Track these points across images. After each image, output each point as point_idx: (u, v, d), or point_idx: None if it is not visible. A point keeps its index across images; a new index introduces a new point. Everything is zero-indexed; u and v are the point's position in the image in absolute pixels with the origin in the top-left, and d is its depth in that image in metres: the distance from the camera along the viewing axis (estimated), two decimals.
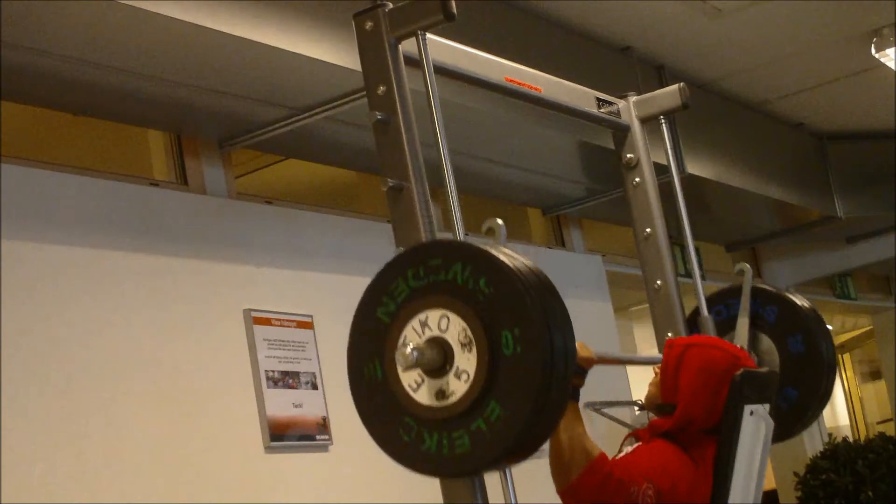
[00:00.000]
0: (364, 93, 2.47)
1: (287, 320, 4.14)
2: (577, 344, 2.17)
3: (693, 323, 3.26)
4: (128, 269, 3.70)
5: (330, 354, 4.22)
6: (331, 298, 4.36)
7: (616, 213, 5.70)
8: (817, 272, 8.37)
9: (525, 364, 2.02)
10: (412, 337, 2.14)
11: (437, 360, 2.11)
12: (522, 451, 2.09)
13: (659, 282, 3.30)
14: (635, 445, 2.71)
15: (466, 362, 2.08)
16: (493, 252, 2.10)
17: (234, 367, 3.93)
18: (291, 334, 4.15)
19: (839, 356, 12.50)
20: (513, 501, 2.22)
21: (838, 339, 12.33)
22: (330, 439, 4.14)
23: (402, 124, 2.39)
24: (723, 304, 3.29)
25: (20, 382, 3.28)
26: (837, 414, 12.12)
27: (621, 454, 2.70)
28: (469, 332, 2.08)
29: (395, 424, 2.16)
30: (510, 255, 2.10)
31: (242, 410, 3.90)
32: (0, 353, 3.25)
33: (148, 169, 4.18)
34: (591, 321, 5.72)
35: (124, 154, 4.21)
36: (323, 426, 4.14)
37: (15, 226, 3.39)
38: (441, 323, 2.12)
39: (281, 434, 3.98)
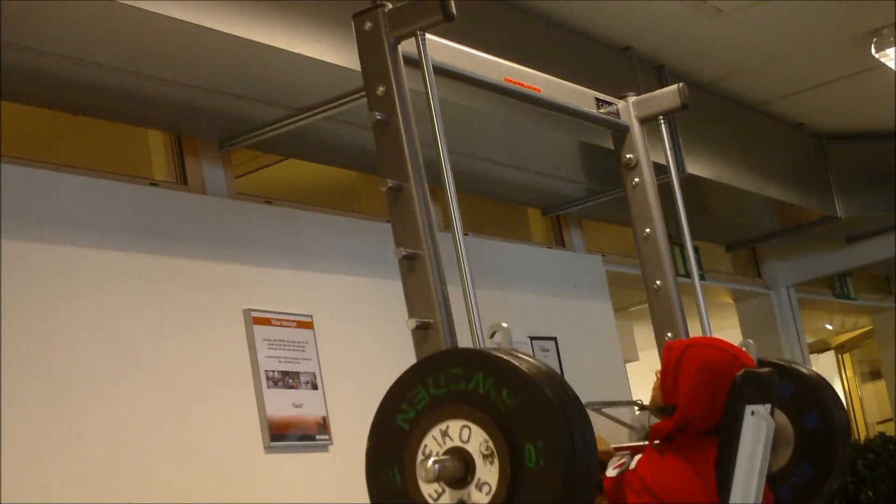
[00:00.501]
0: (364, 93, 2.47)
1: (287, 320, 4.14)
2: (597, 436, 2.15)
3: None
4: (128, 269, 3.70)
5: (330, 354, 4.22)
6: (331, 298, 4.37)
7: (616, 213, 5.69)
8: (817, 272, 8.37)
9: (548, 477, 2.01)
10: (433, 446, 2.13)
11: (459, 471, 2.09)
12: None
13: (658, 282, 3.30)
14: (636, 460, 2.71)
15: (488, 474, 2.07)
16: (516, 363, 2.07)
17: (234, 367, 3.93)
18: (291, 334, 4.15)
19: (839, 356, 12.50)
20: None
21: (838, 339, 12.34)
22: (330, 439, 4.14)
23: (401, 124, 2.39)
24: None
25: (20, 382, 3.28)
26: None
27: (621, 468, 2.70)
28: (491, 444, 2.06)
29: None
30: (532, 364, 2.08)
31: (242, 410, 3.90)
32: (0, 352, 3.25)
33: (148, 169, 4.18)
34: (591, 321, 5.72)
35: (124, 154, 4.21)
36: (323, 426, 4.14)
37: (15, 226, 3.39)
38: (462, 433, 2.10)
39: (281, 434, 3.98)
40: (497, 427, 2.06)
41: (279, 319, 4.11)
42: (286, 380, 4.06)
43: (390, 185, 2.39)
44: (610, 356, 5.88)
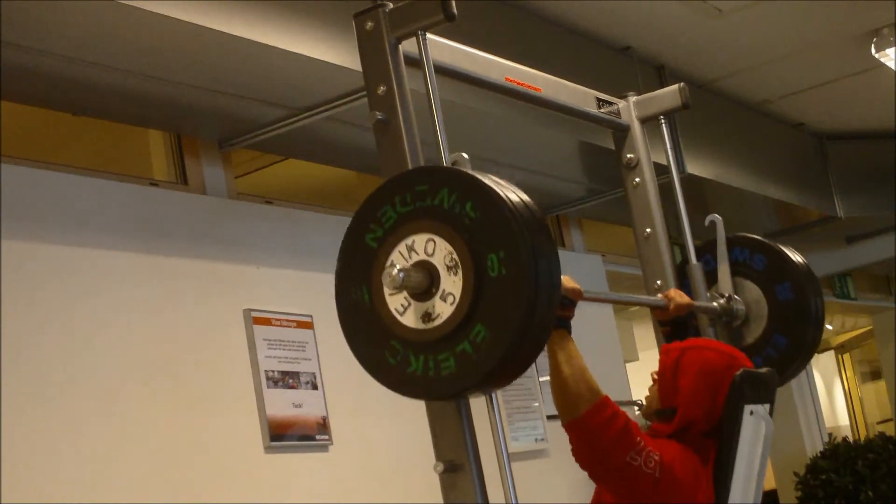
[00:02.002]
0: (364, 93, 2.47)
1: (287, 320, 4.14)
2: (563, 277, 2.21)
3: (682, 272, 3.29)
4: (127, 269, 3.70)
5: (330, 354, 4.22)
6: (331, 298, 4.34)
7: (616, 213, 5.70)
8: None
9: (510, 286, 2.05)
10: (399, 261, 2.18)
11: (424, 283, 2.14)
12: (507, 373, 2.13)
13: (659, 281, 3.30)
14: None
15: (452, 285, 2.12)
16: (480, 177, 2.13)
17: (234, 367, 3.93)
18: (291, 334, 4.15)
19: (839, 356, 12.51)
20: (513, 501, 2.22)
21: (838, 339, 12.34)
22: (330, 439, 4.14)
23: (402, 124, 2.39)
24: (710, 252, 3.31)
25: (20, 382, 3.28)
26: (837, 414, 12.13)
27: None
28: (455, 256, 2.12)
29: (381, 348, 2.19)
30: (496, 181, 2.13)
31: (242, 410, 3.90)
32: (0, 353, 3.25)
33: (148, 169, 4.18)
34: (591, 321, 5.71)
35: (124, 154, 4.21)
36: (323, 426, 4.14)
37: (15, 226, 3.39)
38: (427, 247, 2.15)
39: (281, 434, 3.98)
40: (461, 239, 2.11)
41: (279, 319, 4.11)
42: (286, 380, 4.06)
43: None
44: (610, 356, 5.88)
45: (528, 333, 2.06)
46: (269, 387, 3.98)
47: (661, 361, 2.75)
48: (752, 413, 2.69)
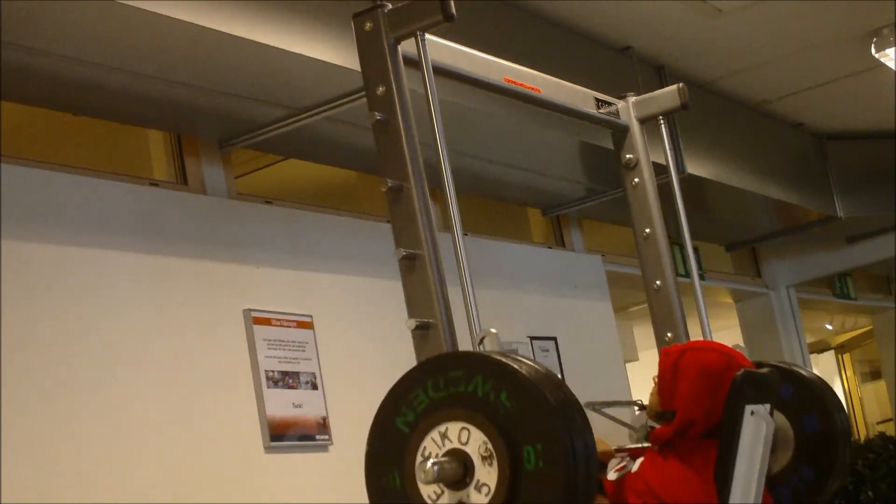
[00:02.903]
0: (364, 93, 2.47)
1: (287, 320, 4.15)
2: (596, 439, 2.15)
3: None
4: (127, 269, 3.70)
5: (330, 354, 4.22)
6: (331, 298, 4.37)
7: (616, 213, 5.70)
8: (817, 272, 8.37)
9: (548, 479, 2.01)
10: (432, 448, 2.13)
11: (458, 472, 2.09)
12: None
13: (658, 282, 3.30)
14: (638, 462, 2.71)
15: (487, 476, 2.07)
16: (515, 366, 2.08)
17: (234, 367, 3.93)
18: (291, 334, 4.15)
19: (839, 356, 12.50)
20: None
21: (838, 339, 12.34)
22: (330, 439, 4.14)
23: (401, 125, 2.40)
24: None
25: (20, 382, 3.28)
26: None
27: (623, 470, 2.70)
28: (490, 446, 2.07)
29: None
30: (531, 367, 2.09)
31: (242, 410, 3.90)
32: (0, 352, 3.25)
33: (148, 169, 4.18)
34: (591, 321, 5.72)
35: (124, 154, 4.21)
36: (323, 426, 4.14)
37: (15, 226, 3.39)
38: (462, 435, 2.11)
39: (281, 434, 3.98)
40: (496, 429, 2.06)
41: (279, 319, 4.11)
42: (286, 380, 4.06)
43: (390, 185, 2.39)
44: (610, 356, 5.88)
45: None
46: (269, 387, 3.99)
47: (660, 364, 2.76)
48: (752, 413, 2.69)
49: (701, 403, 2.67)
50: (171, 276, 3.83)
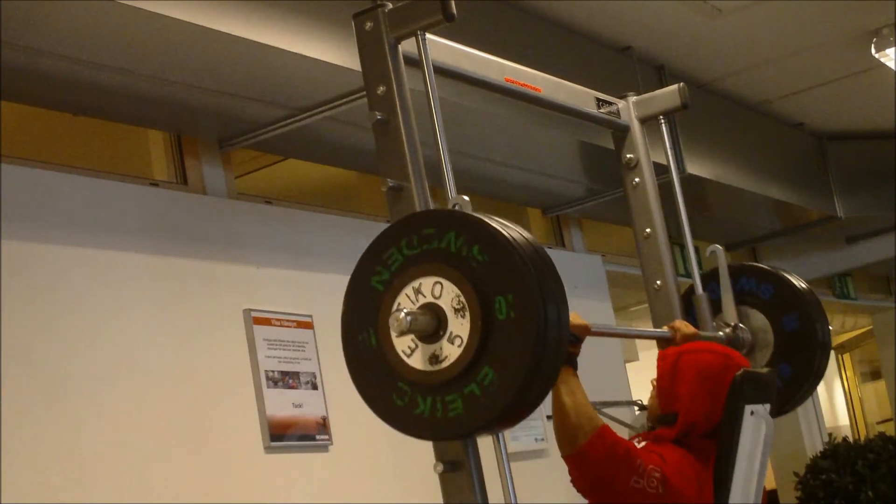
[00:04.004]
0: (364, 93, 2.47)
1: (287, 320, 4.14)
2: (571, 314, 2.20)
3: (688, 302, 3.28)
4: (127, 269, 3.70)
5: (330, 354, 4.22)
6: (331, 298, 4.32)
7: (616, 213, 5.70)
8: (817, 272, 8.37)
9: (518, 329, 2.05)
10: (406, 304, 2.17)
11: (431, 325, 2.14)
12: (516, 414, 2.12)
13: (659, 282, 3.30)
14: (644, 443, 2.72)
15: (460, 327, 2.12)
16: (487, 220, 2.13)
17: (234, 367, 3.93)
18: (291, 334, 4.15)
19: (839, 356, 12.50)
20: (513, 501, 2.22)
21: (838, 339, 12.34)
22: (330, 439, 4.14)
23: (401, 124, 2.40)
24: (716, 281, 3.31)
25: (20, 382, 3.28)
26: (837, 414, 12.12)
27: None
28: (462, 298, 2.11)
29: (388, 390, 2.20)
30: (503, 224, 2.13)
31: (242, 410, 3.90)
32: (0, 352, 3.25)
33: (148, 169, 4.17)
34: (591, 321, 5.68)
35: (124, 154, 4.21)
36: (323, 426, 4.14)
37: (15, 226, 3.39)
38: (434, 289, 2.15)
39: (281, 434, 3.98)
40: (468, 282, 2.11)
41: (279, 319, 4.11)
42: (286, 380, 4.06)
43: (390, 185, 2.39)
44: (610, 356, 5.88)
45: (536, 376, 2.06)
46: (269, 387, 3.98)
47: (658, 367, 2.76)
48: (752, 413, 2.69)
49: (701, 405, 2.67)
50: (171, 276, 3.83)
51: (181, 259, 3.88)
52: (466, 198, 2.25)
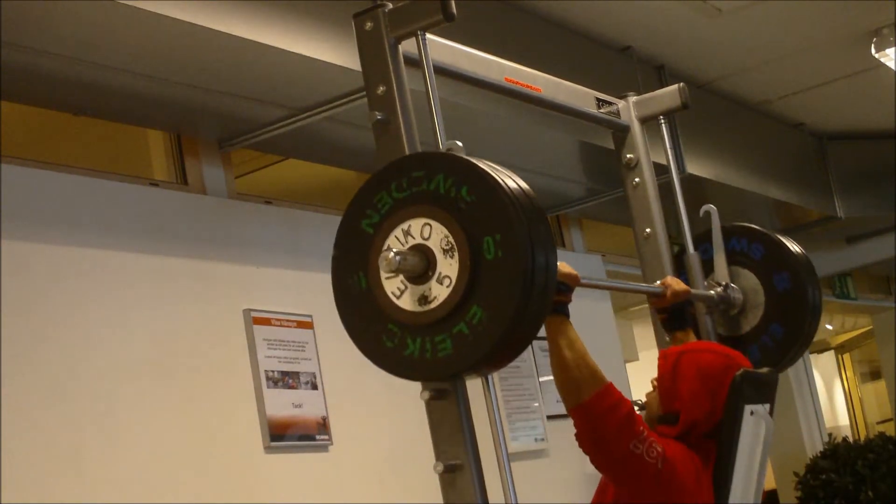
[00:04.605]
0: (364, 93, 2.47)
1: (287, 320, 4.14)
2: (560, 263, 2.23)
3: (680, 262, 3.29)
4: (127, 269, 3.70)
5: (330, 354, 4.22)
6: (331, 298, 4.34)
7: (616, 213, 5.70)
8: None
9: (506, 268, 2.07)
10: (395, 244, 2.19)
11: (420, 266, 2.16)
12: (504, 355, 2.14)
13: (659, 282, 3.30)
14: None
15: (448, 268, 2.13)
16: (476, 162, 2.15)
17: (234, 367, 3.93)
18: (291, 334, 4.15)
19: (839, 356, 12.51)
20: (513, 501, 2.22)
21: (838, 340, 12.35)
22: (330, 439, 4.14)
23: (401, 124, 2.40)
24: (709, 241, 3.32)
25: (20, 382, 3.28)
26: (837, 414, 12.13)
27: None
28: (451, 239, 2.13)
29: (378, 331, 2.22)
30: (493, 167, 2.15)
31: (242, 410, 3.90)
32: (0, 352, 3.25)
33: (148, 169, 4.18)
34: (591, 321, 5.71)
35: (124, 154, 4.21)
36: (323, 426, 4.14)
37: (15, 226, 3.39)
38: (423, 231, 2.17)
39: (281, 434, 3.98)
40: (457, 223, 2.13)
41: (279, 319, 4.11)
42: (286, 380, 4.06)
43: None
44: (610, 356, 5.88)
45: (524, 315, 2.08)
46: (269, 387, 3.98)
47: (659, 367, 2.76)
48: (752, 413, 2.69)
49: (701, 405, 2.67)
50: (171, 277, 3.83)
51: (181, 259, 3.88)
52: (459, 143, 2.27)
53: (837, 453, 7.34)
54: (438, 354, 2.14)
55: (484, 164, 2.15)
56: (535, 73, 2.99)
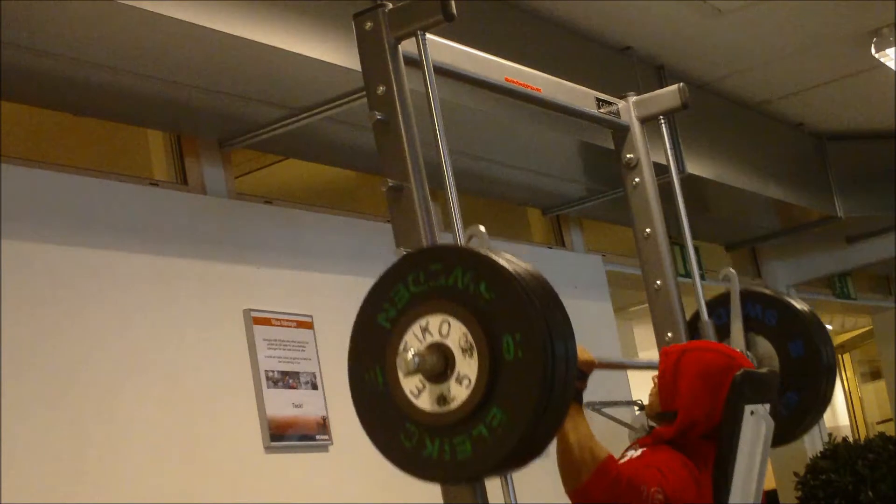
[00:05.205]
0: (364, 93, 2.47)
1: (287, 320, 4.14)
2: (578, 348, 2.16)
3: (694, 327, 3.26)
4: (127, 270, 3.70)
5: (330, 354, 4.22)
6: (331, 298, 4.36)
7: (616, 213, 5.70)
8: (817, 272, 8.37)
9: (526, 369, 2.01)
10: (413, 343, 2.13)
11: (439, 365, 2.10)
12: (525, 456, 2.08)
13: (659, 282, 3.30)
14: (641, 450, 2.72)
15: (468, 367, 2.07)
16: (494, 257, 2.09)
17: (234, 367, 3.93)
18: (291, 334, 4.15)
19: (839, 356, 12.50)
20: (513, 502, 2.22)
21: (838, 339, 12.34)
22: (330, 439, 4.14)
23: (401, 125, 2.39)
24: (723, 307, 3.29)
25: (20, 382, 3.28)
26: (837, 414, 12.12)
27: (626, 458, 2.71)
28: (470, 337, 2.07)
29: (396, 431, 2.16)
30: (510, 260, 2.09)
31: (242, 410, 3.90)
32: (0, 352, 3.25)
33: (148, 169, 4.18)
34: (591, 321, 5.72)
35: (124, 154, 4.21)
36: (323, 426, 4.14)
37: (15, 226, 3.39)
38: (442, 328, 2.11)
39: (281, 434, 3.98)
40: (476, 320, 2.07)
41: (279, 319, 4.11)
42: (286, 380, 4.06)
43: (390, 185, 2.39)
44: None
45: (544, 416, 2.03)
46: (269, 387, 3.98)
47: (660, 364, 2.76)
48: (752, 413, 2.69)
49: (702, 404, 2.67)
50: (171, 277, 3.83)
51: (181, 259, 3.88)
52: (482, 227, 2.23)
53: (837, 453, 7.33)
54: (458, 456, 2.08)
55: (503, 259, 2.09)
56: (535, 73, 2.99)
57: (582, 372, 2.54)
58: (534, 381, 2.00)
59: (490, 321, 2.05)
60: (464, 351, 2.08)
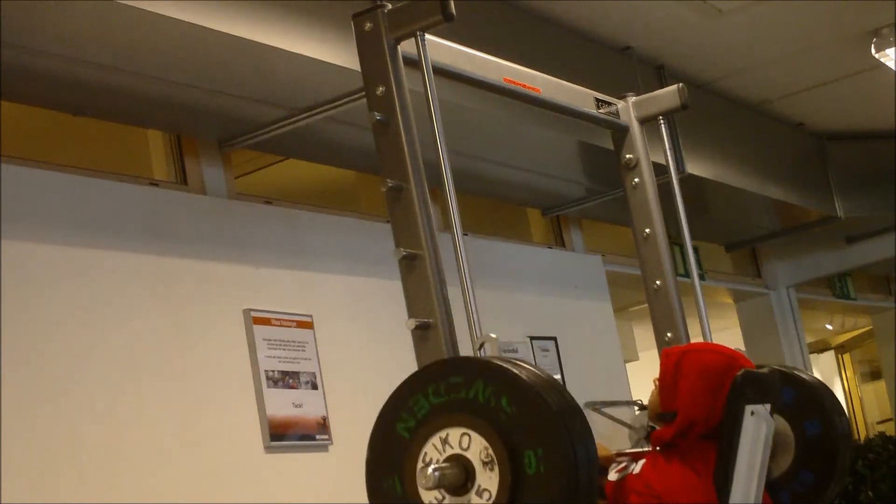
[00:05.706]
0: (364, 93, 2.47)
1: (287, 320, 4.15)
2: (597, 444, 2.14)
3: None
4: (127, 270, 3.70)
5: (330, 354, 4.22)
6: (331, 298, 4.37)
7: (616, 213, 5.70)
8: (817, 272, 8.37)
9: (548, 484, 2.00)
10: (433, 454, 2.12)
11: (459, 478, 2.08)
12: None
13: (658, 282, 3.29)
14: (640, 465, 2.71)
15: (488, 481, 2.06)
16: (515, 371, 2.07)
17: (234, 367, 3.93)
18: (291, 334, 4.15)
19: (839, 356, 12.50)
20: None
21: (838, 339, 12.34)
22: (330, 439, 4.14)
23: (401, 125, 2.39)
24: None
25: (20, 382, 3.28)
26: None
27: (626, 472, 2.70)
28: (491, 451, 2.06)
29: None
30: (531, 372, 2.08)
31: (242, 410, 3.90)
32: (0, 352, 3.25)
33: (148, 169, 4.18)
34: (591, 321, 5.71)
35: (124, 154, 4.21)
36: (323, 426, 4.14)
37: (15, 226, 3.40)
38: (462, 441, 2.10)
39: (281, 434, 3.98)
40: (497, 434, 2.05)
41: (279, 319, 4.11)
42: (286, 380, 4.06)
43: (390, 185, 2.39)
44: (610, 356, 5.88)
45: None
46: (269, 387, 3.99)
47: (661, 365, 2.76)
48: (753, 413, 2.69)
49: (702, 404, 2.67)
50: (171, 277, 3.83)
51: (181, 259, 3.88)
52: (494, 335, 2.23)
53: None
54: None
55: (525, 374, 2.07)
56: (534, 73, 2.99)
57: (602, 468, 2.54)
58: (556, 495, 1.99)
59: (511, 436, 2.04)
60: (484, 464, 2.07)
